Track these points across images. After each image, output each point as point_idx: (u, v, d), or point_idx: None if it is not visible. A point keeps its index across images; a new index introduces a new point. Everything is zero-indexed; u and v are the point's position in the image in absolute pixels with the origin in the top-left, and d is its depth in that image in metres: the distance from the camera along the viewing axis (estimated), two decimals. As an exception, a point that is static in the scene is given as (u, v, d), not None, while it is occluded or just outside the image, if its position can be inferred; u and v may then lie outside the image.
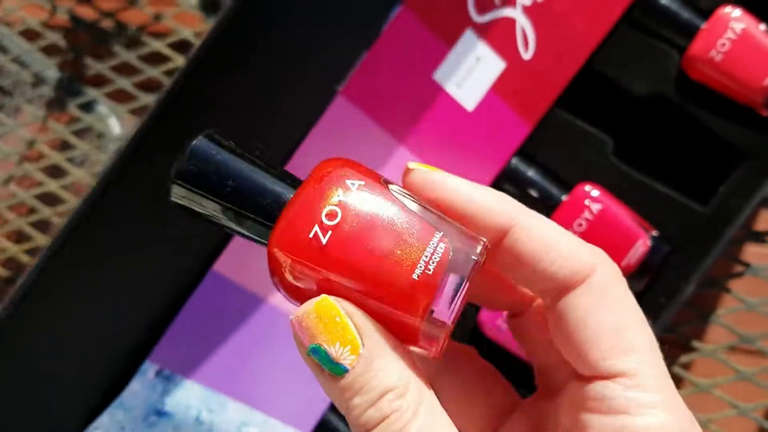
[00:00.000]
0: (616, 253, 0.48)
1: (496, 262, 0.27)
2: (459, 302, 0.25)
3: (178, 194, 0.26)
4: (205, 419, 0.48)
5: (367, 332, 0.23)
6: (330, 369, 0.23)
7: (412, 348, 0.25)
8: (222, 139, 0.26)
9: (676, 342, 0.55)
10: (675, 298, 0.48)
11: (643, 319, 0.26)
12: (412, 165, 0.27)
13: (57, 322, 0.46)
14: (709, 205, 0.49)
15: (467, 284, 0.25)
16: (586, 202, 0.48)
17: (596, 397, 0.25)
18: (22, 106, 0.66)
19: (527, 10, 0.47)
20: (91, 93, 0.63)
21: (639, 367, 0.25)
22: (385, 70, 0.47)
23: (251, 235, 0.26)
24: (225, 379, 0.48)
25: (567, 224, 0.48)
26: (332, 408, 0.49)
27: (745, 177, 0.48)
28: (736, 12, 0.46)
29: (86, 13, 0.63)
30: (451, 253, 0.25)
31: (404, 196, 0.26)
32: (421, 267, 0.24)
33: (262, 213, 0.25)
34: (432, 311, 0.24)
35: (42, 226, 0.63)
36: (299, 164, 0.47)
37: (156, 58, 0.61)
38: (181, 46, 0.61)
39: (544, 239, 0.26)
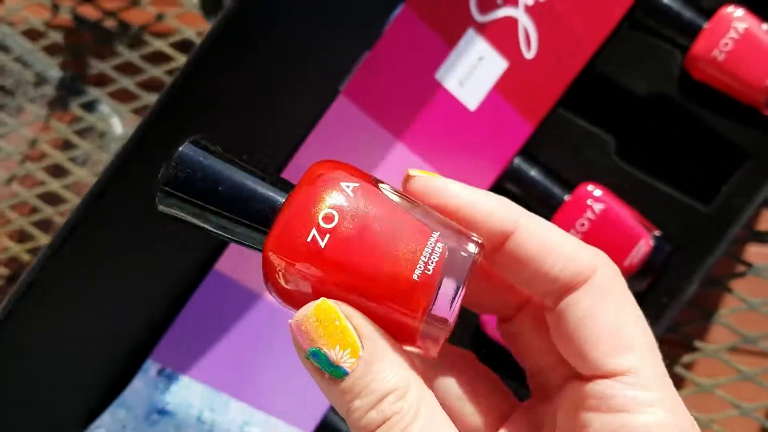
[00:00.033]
0: (618, 252, 0.48)
1: (497, 265, 0.28)
2: (459, 301, 0.25)
3: (166, 202, 0.25)
4: (206, 418, 0.48)
5: (366, 334, 0.23)
6: (330, 372, 0.23)
7: (409, 348, 0.25)
8: (209, 144, 0.26)
9: (679, 342, 0.55)
10: (677, 298, 0.48)
11: (642, 318, 0.27)
12: (412, 172, 0.27)
13: (58, 321, 0.46)
14: (712, 205, 0.49)
15: (466, 283, 0.25)
16: (589, 201, 0.48)
17: (596, 396, 0.25)
18: (25, 106, 0.66)
19: (529, 10, 0.47)
20: (94, 92, 0.63)
21: (639, 366, 0.25)
22: (387, 70, 0.47)
23: (244, 241, 0.26)
24: (227, 379, 0.48)
25: (569, 224, 0.48)
26: (334, 408, 0.49)
27: (748, 177, 0.48)
28: (738, 12, 0.46)
29: (89, 12, 0.63)
30: (448, 253, 0.25)
31: (398, 196, 0.26)
32: (420, 267, 0.24)
33: (254, 218, 0.25)
34: (431, 311, 0.24)
35: (44, 225, 0.63)
36: (301, 164, 0.47)
37: (158, 58, 0.61)
38: (184, 45, 0.61)
39: (547, 241, 0.26)
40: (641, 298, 0.49)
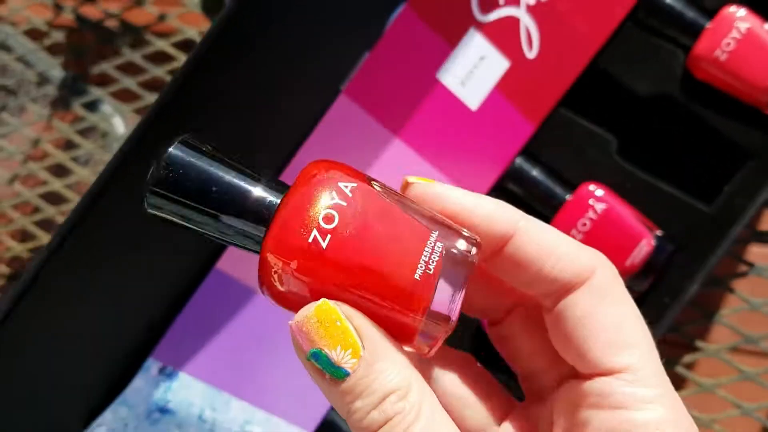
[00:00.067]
0: (620, 252, 0.48)
1: (496, 268, 0.28)
2: (460, 300, 0.25)
3: (155, 204, 0.25)
4: (208, 417, 0.48)
5: (367, 334, 0.23)
6: (331, 373, 0.23)
7: (407, 348, 0.25)
8: (199, 143, 0.25)
9: (680, 342, 0.55)
10: (679, 298, 0.48)
11: (641, 317, 0.27)
12: (410, 179, 0.27)
13: (59, 320, 0.46)
14: (714, 205, 0.49)
15: (467, 282, 0.25)
16: (591, 201, 0.48)
17: (596, 394, 0.26)
18: (27, 106, 0.66)
19: (531, 10, 0.47)
20: (96, 92, 0.63)
21: (639, 363, 0.26)
22: (388, 70, 0.47)
23: (239, 243, 0.25)
24: (228, 377, 0.48)
25: (571, 224, 0.48)
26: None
27: (750, 177, 0.48)
28: (741, 11, 0.46)
29: (91, 12, 0.63)
30: (447, 253, 0.25)
31: (393, 195, 0.26)
32: (422, 267, 0.24)
33: (250, 219, 0.25)
34: (434, 310, 0.24)
35: (46, 225, 0.63)
36: (302, 164, 0.47)
37: (160, 58, 0.61)
38: (186, 45, 0.61)
39: (547, 243, 0.27)
40: (643, 298, 0.49)
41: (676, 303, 0.48)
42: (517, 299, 0.31)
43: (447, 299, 0.25)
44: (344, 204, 0.24)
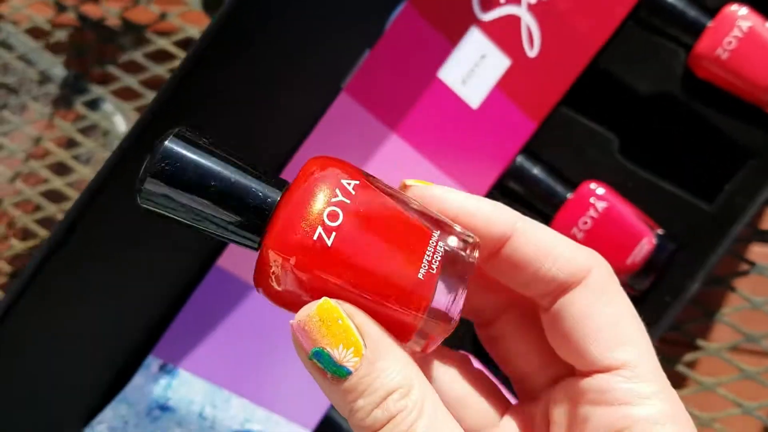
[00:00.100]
0: (621, 250, 0.48)
1: (493, 268, 0.28)
2: (462, 299, 0.25)
3: (150, 198, 0.24)
4: (208, 415, 0.48)
5: (369, 333, 0.23)
6: (333, 372, 0.23)
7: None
8: (196, 136, 0.24)
9: (681, 340, 0.55)
10: (680, 296, 0.48)
11: (636, 315, 0.28)
12: (408, 182, 0.27)
13: (59, 318, 0.46)
14: (715, 204, 0.49)
15: (467, 283, 0.25)
16: (592, 200, 0.48)
17: (596, 390, 0.26)
18: (29, 104, 0.66)
19: (532, 8, 0.47)
20: (97, 91, 0.63)
21: (637, 359, 0.26)
22: (389, 68, 0.47)
23: (236, 240, 0.25)
24: (228, 375, 0.48)
25: (572, 222, 0.48)
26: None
27: (751, 175, 0.48)
28: (742, 10, 0.46)
29: (92, 11, 0.63)
30: (448, 253, 0.25)
31: (394, 193, 0.26)
32: (425, 267, 0.24)
33: (250, 215, 0.24)
34: (437, 309, 0.24)
35: (47, 223, 0.63)
36: (303, 161, 0.47)
37: (161, 56, 0.61)
38: (187, 44, 0.61)
39: (544, 243, 0.27)
40: (644, 297, 0.49)
41: (677, 302, 0.48)
42: (508, 300, 0.31)
43: (449, 299, 0.25)
44: (348, 201, 0.24)
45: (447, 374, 0.31)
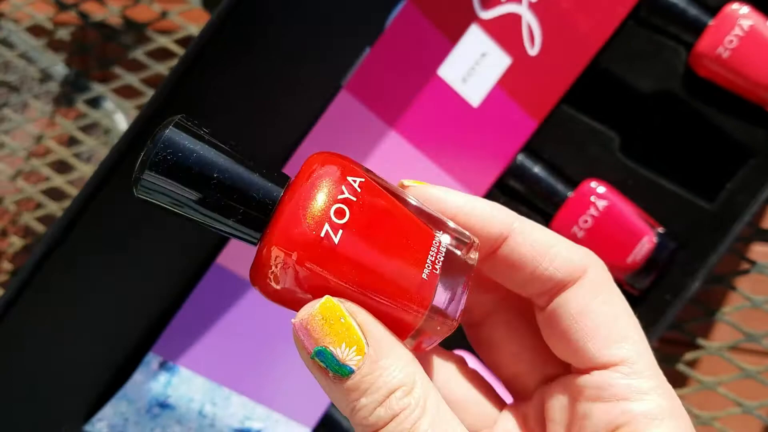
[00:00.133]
0: (622, 249, 0.48)
1: (490, 269, 0.28)
2: (464, 299, 0.25)
3: (148, 189, 0.23)
4: (208, 412, 0.48)
5: (371, 331, 0.23)
6: (335, 371, 0.23)
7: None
8: (196, 126, 0.23)
9: (682, 339, 0.55)
10: (680, 295, 0.48)
11: (632, 312, 0.28)
12: (406, 182, 0.27)
13: (59, 315, 0.46)
14: (716, 202, 0.49)
15: (469, 283, 0.25)
16: (592, 198, 0.48)
17: (595, 387, 0.26)
18: (30, 102, 0.66)
19: (533, 7, 0.47)
20: (98, 89, 0.63)
21: (635, 355, 0.26)
22: (389, 66, 0.47)
23: (237, 233, 0.24)
24: (228, 373, 0.48)
25: (573, 221, 0.48)
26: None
27: (752, 174, 0.48)
28: (743, 9, 0.46)
29: (93, 9, 0.63)
30: (450, 253, 0.25)
31: (395, 191, 0.26)
32: (428, 267, 0.24)
33: (253, 209, 0.23)
34: (439, 309, 0.24)
35: (48, 221, 0.64)
36: (303, 160, 0.47)
37: (162, 55, 0.61)
38: (188, 42, 0.61)
39: (541, 243, 0.27)
40: (644, 295, 0.49)
41: (677, 300, 0.48)
42: (498, 300, 0.31)
43: (451, 299, 0.25)
44: (354, 199, 0.23)
45: (443, 375, 0.31)
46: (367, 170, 0.25)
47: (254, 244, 0.24)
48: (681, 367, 0.54)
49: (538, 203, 0.50)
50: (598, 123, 0.50)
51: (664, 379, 0.26)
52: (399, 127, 0.48)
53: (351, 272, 0.23)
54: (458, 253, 0.25)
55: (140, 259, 0.47)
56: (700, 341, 0.54)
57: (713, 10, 0.47)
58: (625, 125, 0.50)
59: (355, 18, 0.47)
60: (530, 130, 0.49)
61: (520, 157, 0.50)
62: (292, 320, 0.23)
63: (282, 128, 0.47)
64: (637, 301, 0.50)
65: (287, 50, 0.46)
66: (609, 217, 0.48)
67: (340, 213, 0.23)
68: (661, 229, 0.48)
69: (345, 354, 0.23)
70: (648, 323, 0.48)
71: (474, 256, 0.26)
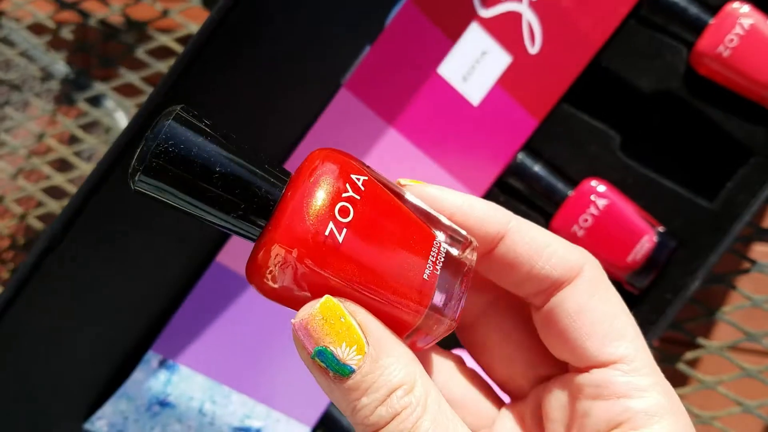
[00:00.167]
0: (622, 248, 0.48)
1: (487, 268, 0.28)
2: (464, 300, 0.25)
3: (147, 181, 0.22)
4: (208, 410, 0.48)
5: (371, 330, 0.23)
6: (336, 371, 0.23)
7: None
8: (197, 117, 0.23)
9: (682, 339, 0.55)
10: (680, 294, 0.48)
11: (628, 310, 0.28)
12: (403, 181, 0.27)
13: (59, 313, 0.46)
14: (716, 201, 0.49)
15: (469, 282, 0.25)
16: (592, 197, 0.48)
17: (595, 385, 0.26)
18: (31, 100, 0.66)
19: (533, 5, 0.47)
20: (99, 87, 0.63)
21: (633, 353, 0.26)
22: (389, 64, 0.47)
23: (237, 229, 0.23)
24: (228, 371, 0.48)
25: (573, 219, 0.48)
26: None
27: (752, 173, 0.48)
28: (744, 8, 0.46)
29: (94, 8, 0.63)
30: (449, 253, 0.25)
31: (395, 189, 0.26)
32: (429, 267, 0.24)
33: (255, 205, 0.23)
34: (439, 309, 0.24)
35: (49, 219, 0.64)
36: (303, 158, 0.47)
37: (163, 53, 0.61)
38: (188, 41, 0.61)
39: (537, 242, 0.27)
40: (644, 294, 0.49)
41: (677, 299, 0.48)
42: (490, 301, 0.31)
43: (450, 299, 0.25)
44: (358, 197, 0.23)
45: (442, 374, 0.31)
46: (368, 167, 0.25)
47: (254, 240, 0.24)
48: (681, 366, 0.54)
49: (538, 202, 0.50)
50: (598, 122, 0.50)
51: (662, 376, 0.27)
52: (399, 126, 0.48)
53: (353, 272, 0.23)
54: (456, 252, 0.25)
55: (140, 257, 0.47)
56: (701, 340, 0.53)
57: (714, 9, 0.47)
58: (626, 124, 0.49)
59: (355, 16, 0.47)
60: (530, 129, 0.49)
61: (521, 156, 0.49)
62: (292, 320, 0.23)
63: (282, 126, 0.47)
64: (637, 300, 0.49)
65: (287, 48, 0.46)
66: (609, 216, 0.48)
67: (344, 211, 0.23)
68: (661, 228, 0.48)
69: (345, 353, 0.23)
70: (648, 322, 0.48)
71: (472, 256, 0.26)
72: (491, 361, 0.31)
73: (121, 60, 0.61)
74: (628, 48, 0.49)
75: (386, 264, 0.23)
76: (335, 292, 0.23)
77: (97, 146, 0.64)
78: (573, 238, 0.48)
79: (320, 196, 0.23)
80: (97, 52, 0.63)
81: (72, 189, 0.62)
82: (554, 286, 0.27)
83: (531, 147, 0.50)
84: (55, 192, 0.63)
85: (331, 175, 0.23)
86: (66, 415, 0.48)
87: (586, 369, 0.27)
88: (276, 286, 0.23)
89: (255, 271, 0.23)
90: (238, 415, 0.49)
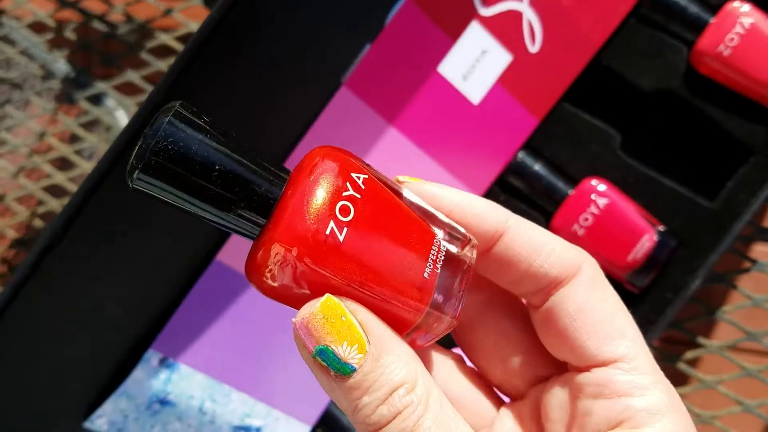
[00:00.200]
0: (622, 247, 0.47)
1: (485, 267, 0.28)
2: (464, 299, 0.25)
3: (145, 179, 0.21)
4: (208, 409, 0.48)
5: (372, 329, 0.23)
6: (337, 370, 0.23)
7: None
8: (196, 114, 0.22)
9: (682, 338, 0.55)
10: (681, 294, 0.48)
11: (626, 308, 0.28)
12: (402, 178, 0.27)
13: (59, 312, 0.46)
14: (716, 201, 0.49)
15: (469, 281, 0.25)
16: (593, 196, 0.48)
17: (596, 384, 0.26)
18: (32, 99, 0.66)
19: (534, 4, 0.47)
20: (100, 86, 0.63)
21: (633, 352, 0.26)
22: (390, 63, 0.47)
23: (236, 227, 0.23)
24: (228, 369, 0.48)
25: (573, 218, 0.48)
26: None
27: (753, 172, 0.48)
28: (744, 7, 0.46)
29: (95, 6, 0.63)
30: (449, 251, 0.25)
31: (394, 187, 0.26)
32: (430, 266, 0.24)
33: (254, 203, 0.23)
34: (439, 307, 0.24)
35: (50, 218, 0.64)
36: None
37: (164, 52, 0.61)
38: (189, 39, 0.61)
39: (536, 240, 0.27)
40: (645, 293, 0.49)
41: (678, 299, 0.48)
42: (485, 301, 0.31)
43: (450, 297, 0.25)
44: (358, 196, 0.23)
45: (442, 373, 0.31)
46: (367, 165, 0.25)
47: (254, 238, 0.24)
48: (681, 365, 0.54)
49: (538, 201, 0.50)
50: (599, 121, 0.50)
51: (662, 374, 0.27)
52: (399, 124, 0.48)
53: (353, 270, 0.23)
54: (456, 250, 0.25)
55: (140, 256, 0.47)
56: (701, 340, 0.53)
57: (714, 8, 0.47)
58: (626, 123, 0.49)
59: (356, 15, 0.47)
60: (531, 128, 0.49)
61: (521, 155, 0.49)
62: (293, 319, 0.23)
63: (282, 125, 0.47)
64: (637, 299, 0.49)
65: (287, 47, 0.46)
66: (609, 215, 0.48)
67: (345, 210, 0.23)
68: (661, 228, 0.48)
69: (347, 352, 0.23)
70: (648, 322, 0.48)
71: (472, 254, 0.26)
72: (488, 362, 0.31)
73: (122, 59, 0.61)
74: (628, 47, 0.49)
75: (387, 263, 0.23)
76: (336, 291, 0.23)
77: (98, 145, 0.64)
78: (573, 237, 0.48)
79: (321, 195, 0.22)
80: (97, 51, 0.63)
81: (73, 187, 0.62)
82: (552, 284, 0.27)
83: (531, 146, 0.50)
84: (55, 190, 0.63)
85: (331, 173, 0.23)
86: (66, 414, 0.48)
87: (587, 368, 0.27)
88: (275, 284, 0.23)
89: (254, 270, 0.23)
90: (238, 414, 0.49)
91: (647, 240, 0.47)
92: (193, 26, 0.60)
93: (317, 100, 0.47)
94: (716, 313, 0.54)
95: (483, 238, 0.27)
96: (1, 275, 0.69)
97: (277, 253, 0.22)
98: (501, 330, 0.30)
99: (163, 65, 0.61)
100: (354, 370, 0.23)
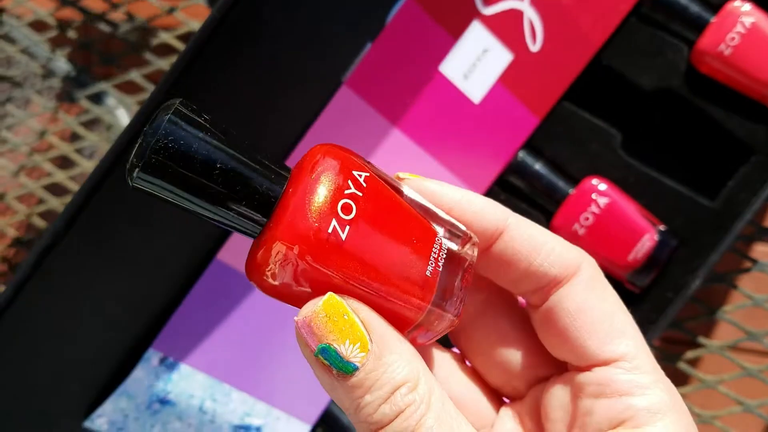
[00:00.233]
0: (623, 246, 0.47)
1: (484, 266, 0.28)
2: (465, 297, 0.25)
3: (146, 178, 0.21)
4: (208, 408, 0.48)
5: (374, 327, 0.23)
6: (339, 368, 0.23)
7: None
8: (196, 112, 0.22)
9: (683, 338, 0.55)
10: (681, 293, 0.48)
11: (625, 307, 0.28)
12: (402, 175, 0.27)
13: (59, 311, 0.46)
14: (717, 200, 0.49)
15: (470, 279, 0.25)
16: (593, 195, 0.48)
17: (597, 383, 0.26)
18: (32, 98, 0.66)
19: (535, 3, 0.47)
20: (100, 85, 0.63)
21: (634, 351, 0.26)
22: (390, 62, 0.47)
23: (238, 226, 0.23)
24: (229, 369, 0.48)
25: (574, 218, 0.48)
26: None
27: (754, 172, 0.48)
28: (745, 6, 0.46)
29: (96, 5, 0.63)
30: (450, 250, 0.25)
31: (394, 185, 0.26)
32: (431, 264, 0.24)
33: (256, 201, 0.22)
34: (441, 306, 0.24)
35: (50, 216, 0.64)
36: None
37: (165, 51, 0.61)
38: (190, 38, 0.61)
39: (536, 239, 0.27)
40: (645, 293, 0.49)
41: (678, 298, 0.48)
42: (484, 301, 0.31)
43: (453, 294, 0.25)
44: (360, 194, 0.23)
45: (443, 373, 0.31)
46: (368, 162, 0.25)
47: (255, 237, 0.23)
48: (682, 365, 0.54)
49: (539, 200, 0.50)
50: (599, 120, 0.50)
51: (662, 373, 0.27)
52: (400, 123, 0.48)
53: (355, 269, 0.23)
54: (456, 248, 0.25)
55: (141, 255, 0.47)
56: (701, 340, 0.53)
57: (715, 8, 0.47)
58: (627, 122, 0.49)
59: (357, 13, 0.47)
60: (531, 127, 0.49)
61: (521, 154, 0.49)
62: (295, 318, 0.23)
63: (282, 124, 0.47)
64: (638, 299, 0.49)
65: (288, 46, 0.46)
66: (610, 214, 0.47)
67: (347, 208, 0.23)
68: (662, 227, 0.48)
69: (349, 351, 0.23)
70: (649, 321, 0.48)
71: (473, 252, 0.26)
72: (487, 363, 0.31)
73: (123, 57, 0.61)
74: (629, 46, 0.49)
75: (389, 261, 0.23)
76: (338, 289, 0.23)
77: (99, 144, 0.64)
78: (574, 237, 0.48)
79: (322, 193, 0.22)
80: (98, 50, 0.63)
81: (73, 186, 0.62)
82: (552, 283, 0.27)
83: (532, 145, 0.50)
84: (56, 189, 0.63)
85: (332, 171, 0.23)
86: (66, 413, 0.48)
87: (587, 368, 0.27)
88: (276, 283, 0.23)
89: (255, 269, 0.23)
90: (238, 413, 0.49)
91: (648, 239, 0.47)
92: (195, 25, 0.60)
93: (318, 100, 0.47)
94: (717, 312, 0.54)
95: (483, 236, 0.27)
96: (1, 274, 0.69)
97: (278, 252, 0.22)
98: (500, 330, 0.30)
99: (163, 64, 0.61)
100: (356, 368, 0.23)
